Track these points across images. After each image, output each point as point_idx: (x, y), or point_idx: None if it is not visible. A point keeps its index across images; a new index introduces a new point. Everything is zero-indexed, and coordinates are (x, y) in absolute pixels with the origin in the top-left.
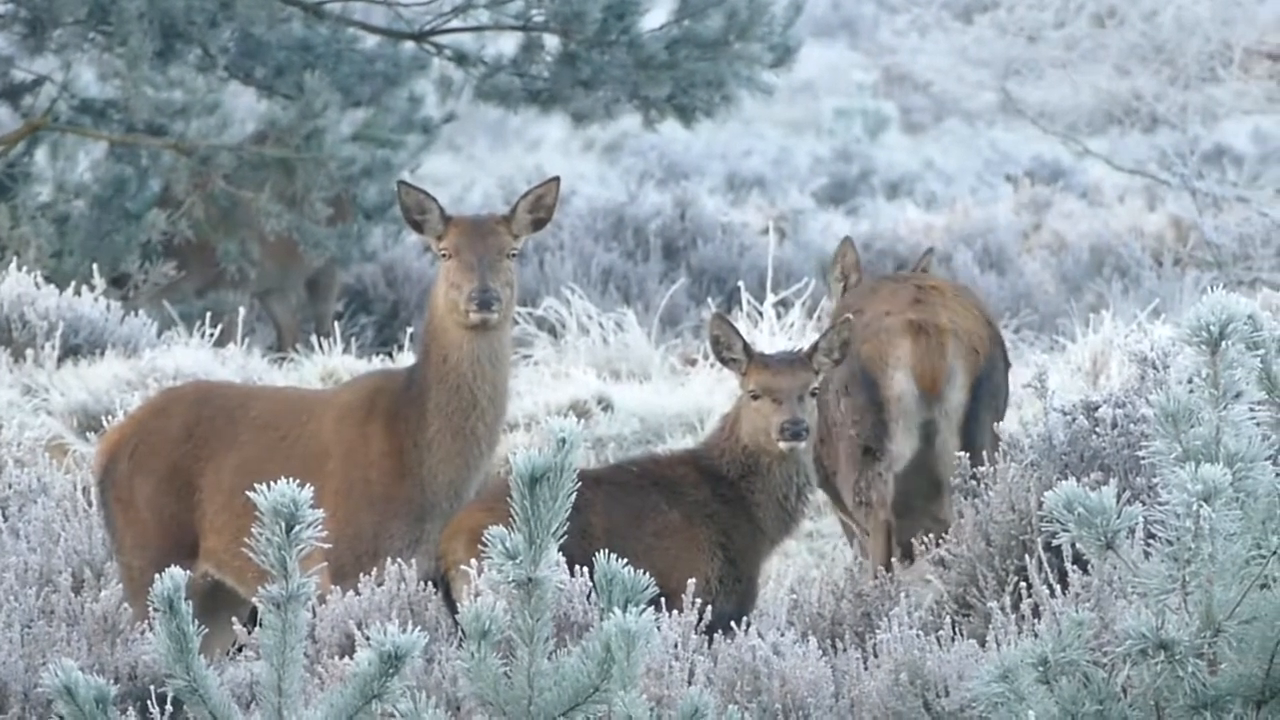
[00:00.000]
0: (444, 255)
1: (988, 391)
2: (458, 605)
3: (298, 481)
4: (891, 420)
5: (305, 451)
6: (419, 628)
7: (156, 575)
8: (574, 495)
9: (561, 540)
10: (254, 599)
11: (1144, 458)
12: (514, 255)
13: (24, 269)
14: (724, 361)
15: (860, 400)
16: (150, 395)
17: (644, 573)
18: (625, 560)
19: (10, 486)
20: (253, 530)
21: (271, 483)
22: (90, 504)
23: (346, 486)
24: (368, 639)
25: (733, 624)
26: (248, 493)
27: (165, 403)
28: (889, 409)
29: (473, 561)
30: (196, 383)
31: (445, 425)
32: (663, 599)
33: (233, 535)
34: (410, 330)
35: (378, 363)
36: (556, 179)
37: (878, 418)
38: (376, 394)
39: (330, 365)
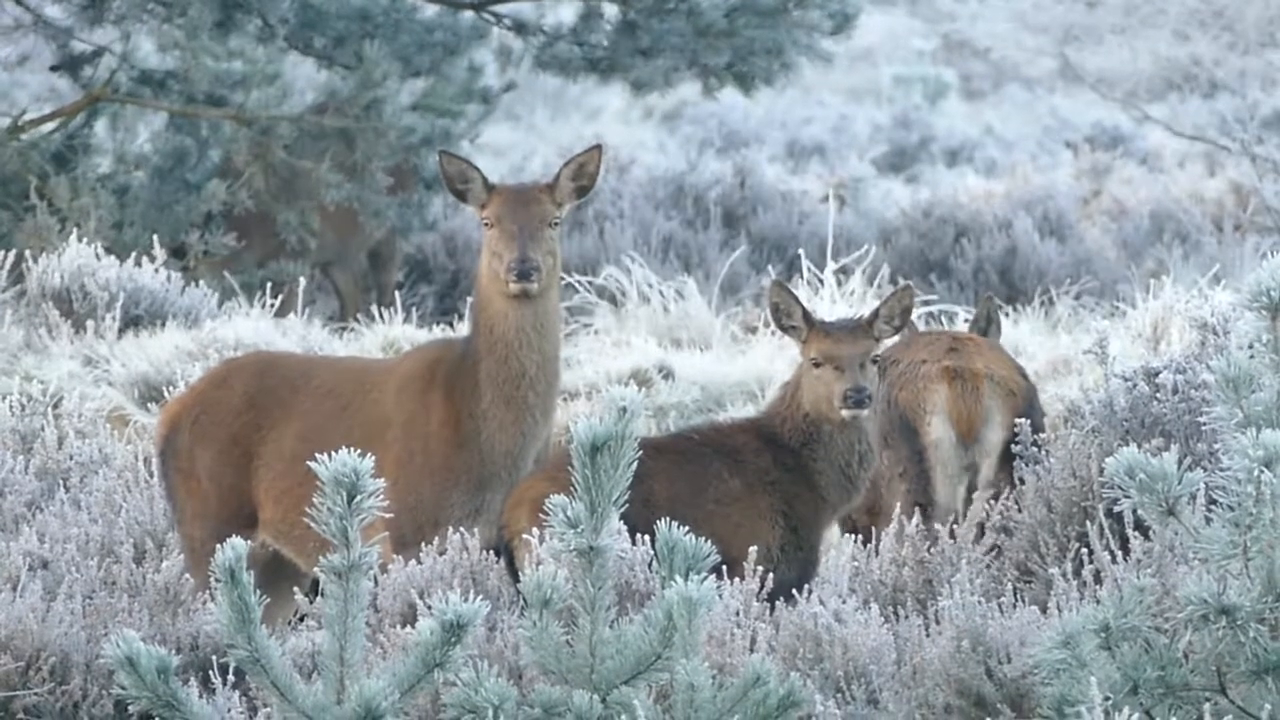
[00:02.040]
0: (486, 224)
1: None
2: (520, 574)
3: (358, 451)
4: (931, 468)
5: (366, 420)
6: (481, 597)
7: (217, 546)
8: (636, 464)
9: (623, 509)
10: (313, 570)
11: (1205, 423)
12: (556, 224)
13: (84, 240)
14: (784, 329)
15: (903, 451)
16: (211, 366)
17: (705, 541)
18: (687, 528)
19: (72, 458)
20: (313, 500)
21: (332, 452)
22: (151, 475)
23: (407, 456)
24: (430, 608)
25: (795, 591)
26: (308, 462)
27: (227, 373)
28: (928, 457)
29: (535, 530)
30: (258, 353)
31: (498, 395)
32: (724, 567)
33: (292, 505)
34: (470, 300)
35: (438, 332)
36: (599, 146)
37: (920, 469)
38: (436, 364)
39: (391, 335)
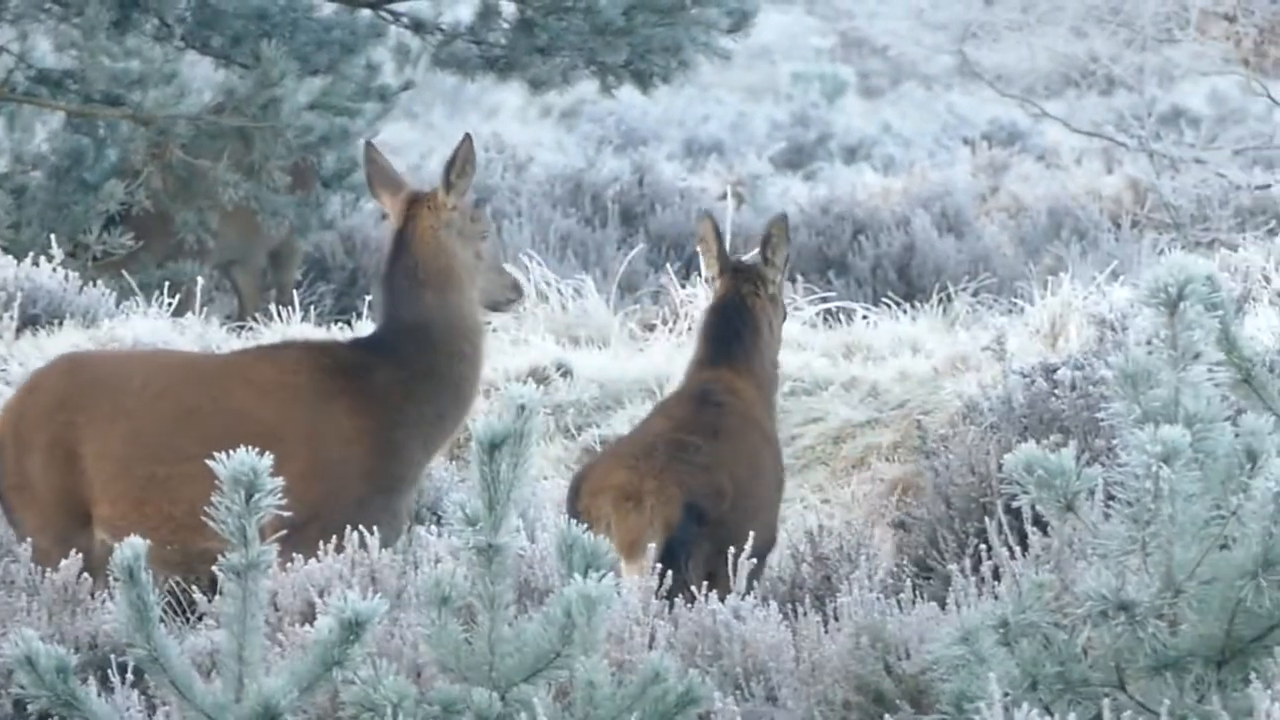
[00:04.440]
0: (483, 235)
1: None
2: None
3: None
4: None
5: (232, 428)
6: (379, 595)
7: (62, 550)
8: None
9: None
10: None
11: (1103, 419)
12: None
13: None
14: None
15: None
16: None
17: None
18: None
19: None
20: (152, 500)
21: (187, 458)
22: None
23: (313, 471)
24: (328, 606)
25: (693, 589)
26: (148, 464)
27: (36, 380)
28: None
29: (614, 520)
30: (65, 355)
31: (457, 402)
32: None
33: (130, 505)
34: (369, 298)
35: (336, 330)
36: (468, 136)
37: None
38: (332, 373)
39: (289, 334)
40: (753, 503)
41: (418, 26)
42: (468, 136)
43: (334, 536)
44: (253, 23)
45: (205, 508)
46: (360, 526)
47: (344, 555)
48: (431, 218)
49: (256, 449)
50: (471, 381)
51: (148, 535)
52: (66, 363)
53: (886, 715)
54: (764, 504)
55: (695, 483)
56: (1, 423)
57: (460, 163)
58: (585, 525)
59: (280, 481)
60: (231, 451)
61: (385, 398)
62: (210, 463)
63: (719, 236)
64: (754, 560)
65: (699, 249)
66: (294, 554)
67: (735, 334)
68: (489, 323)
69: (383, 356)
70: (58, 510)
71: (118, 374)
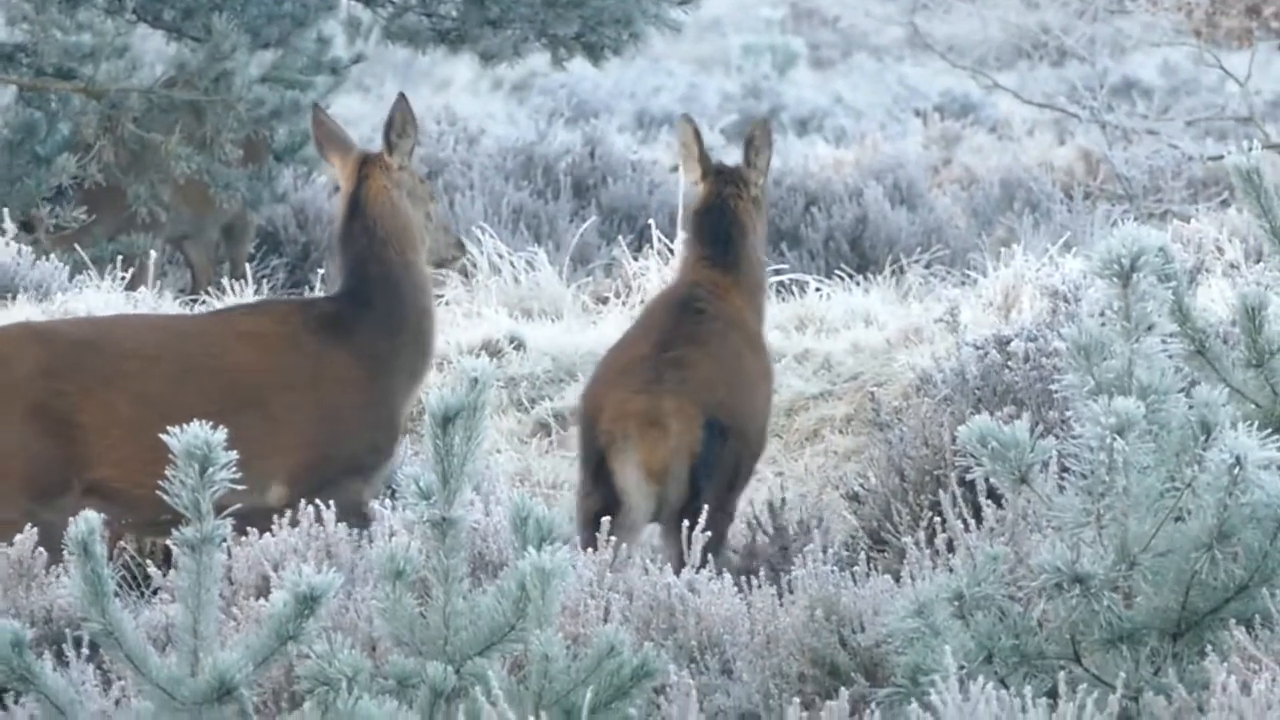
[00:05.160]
0: (433, 194)
1: None
2: (614, 480)
3: (230, 413)
4: None
5: (231, 383)
6: (334, 569)
7: (26, 523)
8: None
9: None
10: (139, 529)
11: (1057, 391)
12: None
13: None
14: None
15: None
16: None
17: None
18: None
19: None
20: (162, 460)
21: (196, 417)
22: None
23: (329, 413)
24: (283, 580)
25: (645, 561)
26: (159, 423)
27: (2, 352)
28: None
29: (635, 446)
30: (22, 324)
31: (425, 358)
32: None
33: (140, 466)
34: (322, 272)
35: None
36: (402, 95)
37: None
38: (321, 324)
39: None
40: (746, 408)
41: None
42: (402, 95)
43: (360, 481)
44: None
45: None
46: (373, 474)
47: (299, 529)
48: (384, 177)
49: (266, 398)
50: (433, 337)
51: (150, 497)
52: (29, 331)
53: (841, 688)
54: (755, 409)
55: (709, 397)
56: None
57: (399, 123)
58: (604, 442)
59: (235, 455)
60: (241, 403)
61: (374, 347)
62: (165, 438)
63: (699, 139)
64: (708, 534)
65: (680, 154)
66: (329, 499)
67: (722, 237)
68: (440, 296)
69: (360, 310)
70: (28, 481)
71: (100, 339)
